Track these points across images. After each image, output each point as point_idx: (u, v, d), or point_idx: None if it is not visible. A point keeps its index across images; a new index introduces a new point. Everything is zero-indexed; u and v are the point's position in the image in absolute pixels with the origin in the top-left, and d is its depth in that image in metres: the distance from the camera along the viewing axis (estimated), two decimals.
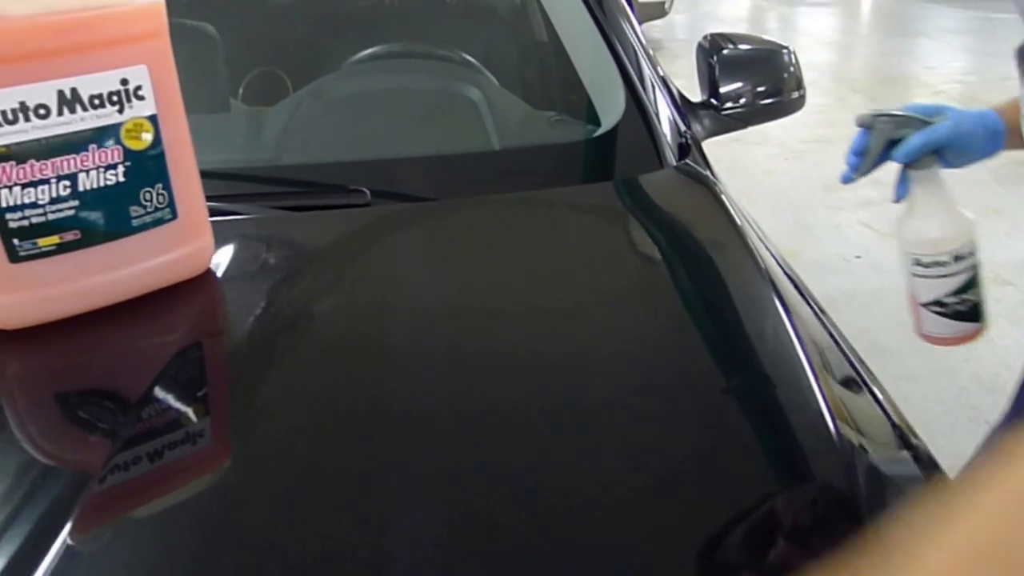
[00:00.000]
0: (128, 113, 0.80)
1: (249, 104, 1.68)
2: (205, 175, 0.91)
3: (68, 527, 0.59)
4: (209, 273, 0.90)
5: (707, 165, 1.28)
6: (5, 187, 0.75)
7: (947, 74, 7.22)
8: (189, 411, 0.75)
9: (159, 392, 0.75)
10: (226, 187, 1.07)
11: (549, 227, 1.09)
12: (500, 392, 0.77)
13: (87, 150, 0.78)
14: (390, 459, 0.68)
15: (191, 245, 0.88)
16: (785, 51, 1.59)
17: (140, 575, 0.59)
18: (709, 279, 0.99)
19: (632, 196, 1.17)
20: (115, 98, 0.79)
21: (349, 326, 0.88)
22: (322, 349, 0.84)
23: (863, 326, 3.13)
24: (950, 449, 2.45)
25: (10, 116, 0.74)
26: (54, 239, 0.79)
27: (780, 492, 0.69)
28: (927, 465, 0.75)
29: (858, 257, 3.73)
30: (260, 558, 0.59)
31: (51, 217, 0.78)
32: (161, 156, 0.83)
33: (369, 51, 1.61)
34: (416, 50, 1.69)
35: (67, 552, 0.58)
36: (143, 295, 0.85)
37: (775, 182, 4.81)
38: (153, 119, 0.81)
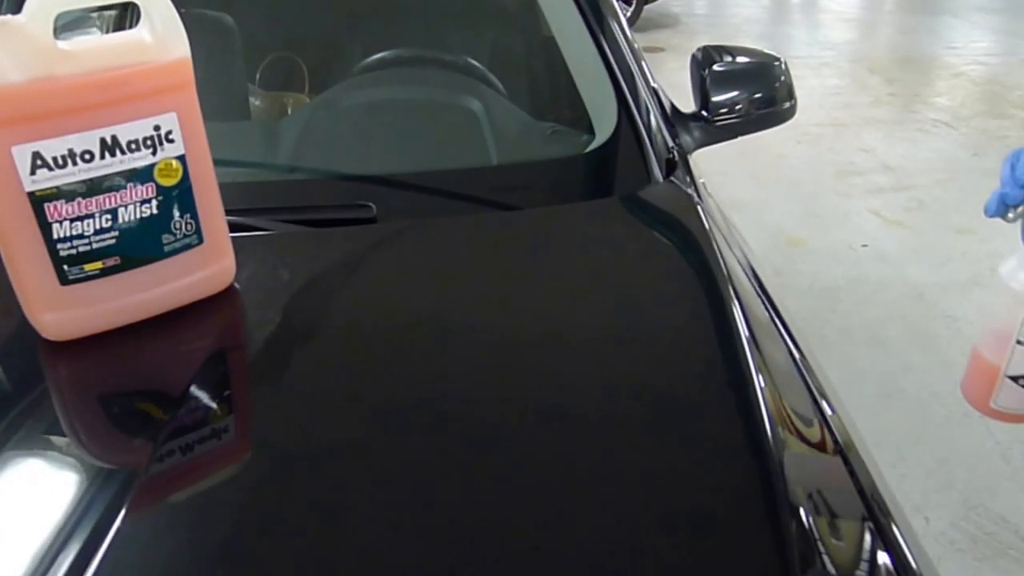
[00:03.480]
0: (160, 155, 0.91)
1: (266, 88, 1.77)
2: None
3: (120, 517, 0.69)
4: (232, 289, 1.02)
5: (692, 181, 1.34)
6: (56, 221, 0.87)
7: (969, 55, 7.08)
8: (218, 410, 0.86)
9: (192, 394, 0.86)
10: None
11: (537, 245, 1.15)
12: (503, 401, 0.85)
13: (125, 188, 0.90)
14: (402, 458, 0.77)
15: (215, 265, 1.00)
16: (776, 63, 1.63)
17: (183, 556, 0.69)
18: (676, 304, 1.02)
19: (615, 215, 1.23)
20: (149, 142, 0.90)
21: (355, 331, 0.98)
22: (334, 353, 0.95)
23: (866, 317, 3.18)
24: (943, 440, 2.53)
25: (60, 161, 0.85)
26: (98, 264, 0.91)
27: (705, 502, 0.73)
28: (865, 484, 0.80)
29: (864, 246, 3.75)
30: (288, 544, 0.68)
31: (95, 246, 0.90)
32: (189, 190, 0.94)
33: (377, 56, 1.70)
34: (423, 56, 1.77)
35: (119, 538, 0.68)
36: (175, 310, 0.97)
37: (788, 165, 4.80)
38: (182, 159, 0.93)
